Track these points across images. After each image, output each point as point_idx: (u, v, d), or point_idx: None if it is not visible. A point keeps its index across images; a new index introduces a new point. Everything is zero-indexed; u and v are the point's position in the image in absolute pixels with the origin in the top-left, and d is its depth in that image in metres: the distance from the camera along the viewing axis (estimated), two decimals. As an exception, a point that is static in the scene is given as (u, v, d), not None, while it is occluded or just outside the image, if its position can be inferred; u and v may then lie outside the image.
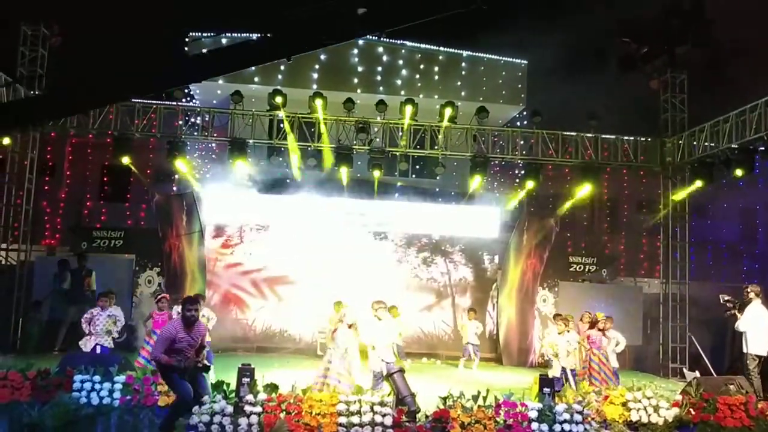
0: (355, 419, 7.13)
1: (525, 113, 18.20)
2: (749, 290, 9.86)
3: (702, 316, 14.07)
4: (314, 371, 9.40)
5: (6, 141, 12.89)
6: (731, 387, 8.42)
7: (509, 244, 14.91)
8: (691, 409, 8.02)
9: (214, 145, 16.00)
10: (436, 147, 13.96)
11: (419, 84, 17.62)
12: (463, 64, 18.01)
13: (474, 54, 18.14)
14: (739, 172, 12.23)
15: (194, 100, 18.28)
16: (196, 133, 13.95)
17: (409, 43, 17.71)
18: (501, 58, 18.31)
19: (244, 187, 14.21)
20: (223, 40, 14.83)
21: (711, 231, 19.57)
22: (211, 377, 8.54)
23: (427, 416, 7.45)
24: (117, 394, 7.42)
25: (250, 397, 7.16)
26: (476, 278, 15.58)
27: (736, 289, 10.94)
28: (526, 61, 18.37)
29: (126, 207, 18.19)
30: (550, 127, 14.23)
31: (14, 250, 13.58)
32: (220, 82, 16.24)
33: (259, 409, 7.07)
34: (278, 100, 12.97)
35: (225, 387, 7.39)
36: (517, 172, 17.66)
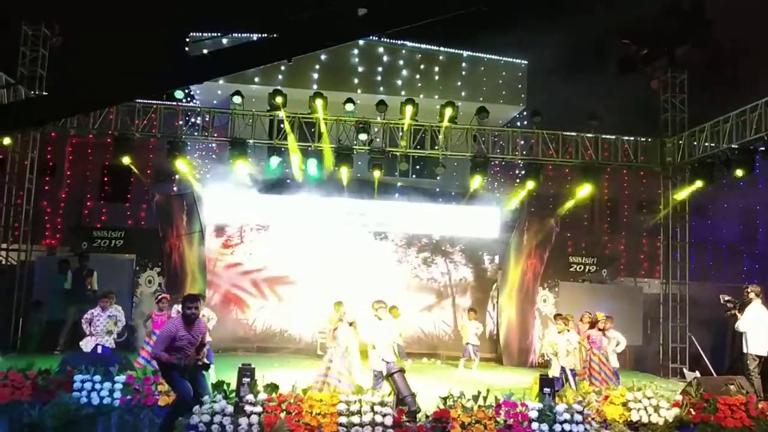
0: (355, 419, 7.13)
1: (525, 113, 18.20)
2: (749, 290, 9.86)
3: (702, 317, 14.07)
4: (314, 371, 9.41)
5: (6, 141, 12.90)
6: (731, 387, 8.42)
7: (509, 245, 14.92)
8: (691, 409, 8.02)
9: (214, 145, 16.01)
10: (436, 147, 13.97)
11: (419, 84, 17.62)
12: (464, 64, 18.01)
13: (474, 54, 18.15)
14: (739, 173, 12.23)
15: (194, 100, 18.29)
16: (196, 133, 13.96)
17: (409, 44, 17.71)
18: (501, 58, 18.32)
19: (244, 187, 14.20)
20: (224, 40, 14.84)
21: (711, 231, 19.57)
22: (212, 377, 8.55)
23: (427, 416, 7.46)
24: (117, 394, 7.42)
25: (250, 397, 7.16)
26: (476, 278, 15.59)
27: (737, 290, 10.94)
28: (526, 62, 18.37)
29: (126, 207, 18.19)
30: (550, 127, 14.24)
31: (14, 250, 13.59)
32: (221, 82, 16.26)
33: (259, 409, 7.07)
34: (278, 100, 12.98)
35: (225, 387, 7.39)
36: (517, 172, 17.66)
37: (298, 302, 14.67)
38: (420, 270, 15.43)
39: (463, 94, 17.57)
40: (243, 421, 6.93)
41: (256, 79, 16.48)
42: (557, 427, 7.42)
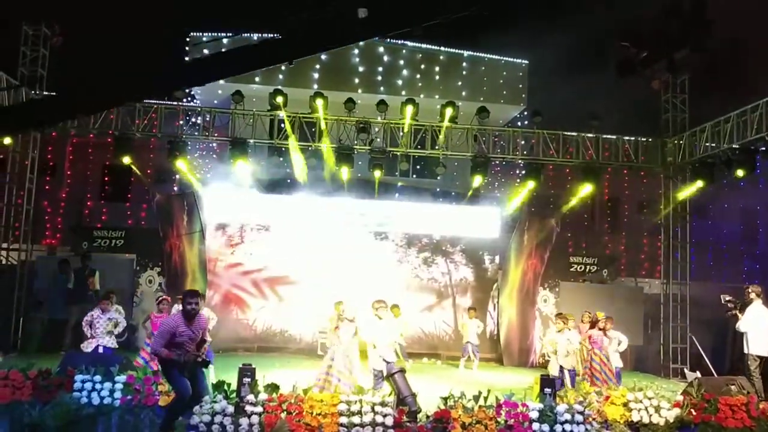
0: (356, 419, 7.12)
1: (526, 113, 18.21)
2: (750, 291, 9.86)
3: (703, 317, 14.06)
4: (315, 371, 9.41)
5: (7, 141, 12.88)
6: (732, 387, 8.41)
7: (510, 245, 14.91)
8: (692, 410, 8.01)
9: (214, 144, 16.01)
10: (436, 147, 13.96)
11: (420, 84, 17.63)
12: (464, 64, 18.02)
13: (475, 54, 18.15)
14: (740, 173, 12.22)
15: (195, 100, 18.30)
16: (196, 133, 13.96)
17: (410, 44, 17.71)
18: (502, 58, 18.32)
19: (244, 187, 14.20)
20: (224, 40, 14.84)
21: (712, 231, 19.57)
22: (212, 377, 8.55)
23: (428, 416, 7.45)
24: (118, 394, 7.41)
25: (251, 397, 7.16)
26: (477, 278, 15.58)
27: (737, 290, 10.94)
28: (526, 61, 18.38)
29: (127, 207, 18.20)
30: (550, 127, 14.23)
31: (15, 250, 13.59)
32: (221, 82, 16.22)
33: (260, 409, 7.07)
34: (279, 100, 12.96)
35: (226, 387, 7.38)
36: (517, 172, 17.66)
37: (298, 302, 14.67)
38: (420, 270, 15.42)
39: (463, 93, 17.57)
40: (244, 421, 6.92)
41: (257, 79, 16.48)
42: (558, 427, 7.41)
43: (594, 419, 7.76)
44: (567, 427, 7.42)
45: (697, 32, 5.13)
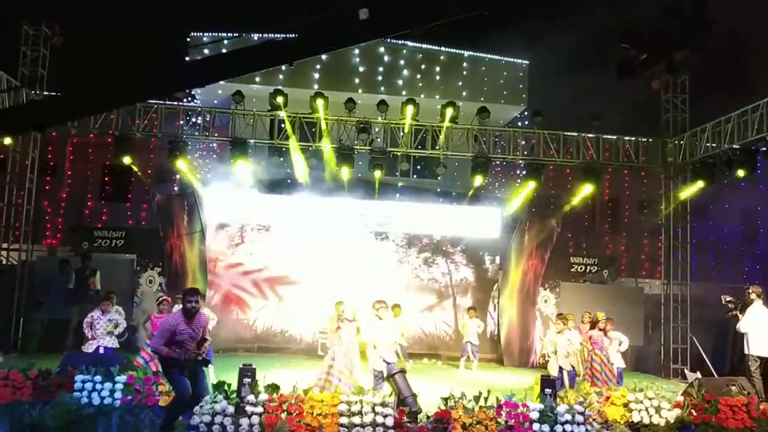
0: (356, 420, 7.11)
1: (526, 113, 18.19)
2: (751, 291, 9.84)
3: (703, 317, 14.05)
4: (315, 371, 9.41)
5: (7, 141, 12.88)
6: (733, 388, 8.39)
7: (510, 245, 14.91)
8: (692, 410, 8.00)
9: (215, 145, 15.99)
10: (437, 147, 13.95)
11: (420, 84, 17.62)
12: (465, 64, 18.01)
13: (475, 54, 18.14)
14: (740, 173, 12.21)
15: (195, 100, 18.29)
16: (197, 133, 13.96)
17: (410, 44, 17.70)
18: (502, 58, 18.31)
19: (245, 187, 14.20)
20: (225, 41, 14.84)
21: (712, 232, 19.55)
22: (212, 377, 8.54)
23: (428, 417, 7.44)
24: (118, 394, 7.40)
25: (251, 398, 7.15)
26: (477, 279, 15.58)
27: (738, 290, 10.93)
28: (527, 62, 18.36)
29: (127, 207, 18.20)
30: (551, 128, 14.22)
31: (15, 250, 13.59)
32: (222, 82, 16.23)
33: (260, 409, 7.06)
34: (279, 100, 12.96)
35: (226, 387, 7.38)
36: (518, 172, 17.65)
37: (298, 302, 14.67)
38: (421, 270, 15.42)
39: (464, 94, 17.56)
40: (244, 421, 6.92)
41: (257, 79, 16.47)
42: (558, 428, 7.40)
43: (594, 420, 7.75)
44: (567, 427, 7.41)
45: (697, 32, 5.12)
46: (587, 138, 14.20)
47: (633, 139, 14.55)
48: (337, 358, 8.95)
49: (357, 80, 17.41)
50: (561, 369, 10.12)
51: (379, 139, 13.98)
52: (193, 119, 14.12)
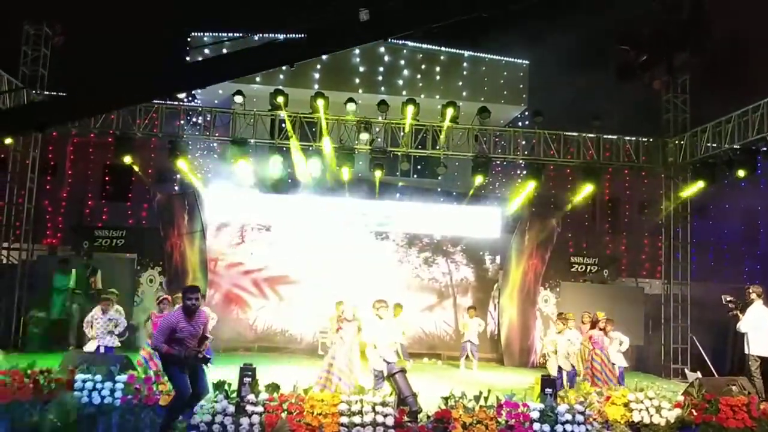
0: (356, 419, 7.12)
1: (526, 113, 18.19)
2: (751, 291, 9.83)
3: (704, 317, 14.05)
4: (315, 371, 9.40)
5: (8, 140, 12.90)
6: (733, 388, 8.39)
7: (511, 245, 14.92)
8: (693, 410, 8.00)
9: (215, 144, 15.99)
10: (437, 147, 13.95)
11: (421, 84, 17.63)
12: (465, 64, 18.01)
13: (475, 54, 18.15)
14: (741, 173, 12.21)
15: (196, 100, 18.29)
16: (197, 133, 13.96)
17: (410, 44, 17.71)
18: (502, 58, 18.32)
19: (245, 186, 14.21)
20: (225, 42, 14.83)
21: (713, 232, 19.53)
22: (213, 377, 8.54)
23: (428, 416, 7.44)
24: (118, 394, 7.40)
25: (251, 397, 7.16)
26: (478, 278, 15.58)
27: (738, 290, 10.91)
28: (527, 62, 18.37)
29: (128, 206, 18.20)
30: (551, 128, 14.23)
31: (16, 249, 13.61)
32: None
33: (260, 408, 7.07)
34: (280, 99, 12.97)
35: (227, 387, 7.38)
36: (518, 172, 17.65)
37: (299, 302, 14.69)
38: (421, 270, 15.43)
39: (464, 94, 17.57)
40: (244, 421, 6.92)
41: (258, 79, 16.46)
42: (559, 427, 7.39)
43: (595, 419, 7.74)
44: (568, 427, 7.41)
45: (697, 33, 5.12)
46: (587, 138, 14.20)
47: (633, 139, 14.55)
48: (337, 357, 8.95)
49: (357, 80, 17.41)
50: (560, 369, 10.13)
51: (379, 139, 13.99)
52: (194, 119, 14.13)
